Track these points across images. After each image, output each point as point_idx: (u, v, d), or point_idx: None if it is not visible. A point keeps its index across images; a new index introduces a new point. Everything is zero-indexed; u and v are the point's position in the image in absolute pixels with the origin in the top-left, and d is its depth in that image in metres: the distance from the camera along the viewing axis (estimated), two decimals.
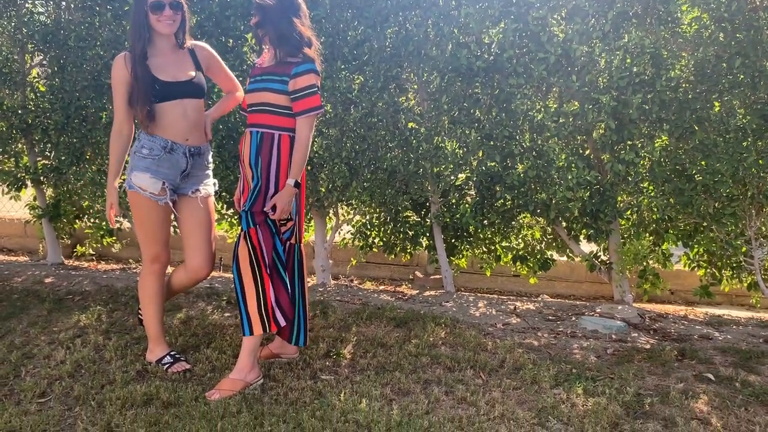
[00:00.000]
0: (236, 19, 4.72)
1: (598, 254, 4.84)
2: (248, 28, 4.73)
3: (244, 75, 4.70)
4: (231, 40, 4.79)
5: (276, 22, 2.84)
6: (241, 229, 2.90)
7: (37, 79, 5.29)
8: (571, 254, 4.88)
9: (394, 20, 4.59)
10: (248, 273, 2.83)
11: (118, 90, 2.92)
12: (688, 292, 5.32)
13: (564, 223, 4.75)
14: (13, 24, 5.06)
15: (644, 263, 4.64)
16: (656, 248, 4.68)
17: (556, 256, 4.98)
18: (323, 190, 4.93)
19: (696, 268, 4.76)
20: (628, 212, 4.63)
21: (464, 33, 4.55)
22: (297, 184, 2.87)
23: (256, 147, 2.90)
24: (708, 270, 4.71)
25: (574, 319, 4.17)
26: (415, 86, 4.83)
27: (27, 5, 5.12)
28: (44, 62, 5.21)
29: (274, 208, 2.84)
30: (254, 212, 2.88)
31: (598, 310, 4.37)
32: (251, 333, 2.84)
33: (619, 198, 4.59)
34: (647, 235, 4.66)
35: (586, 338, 3.76)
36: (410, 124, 4.76)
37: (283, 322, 2.87)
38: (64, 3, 5.07)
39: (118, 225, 5.47)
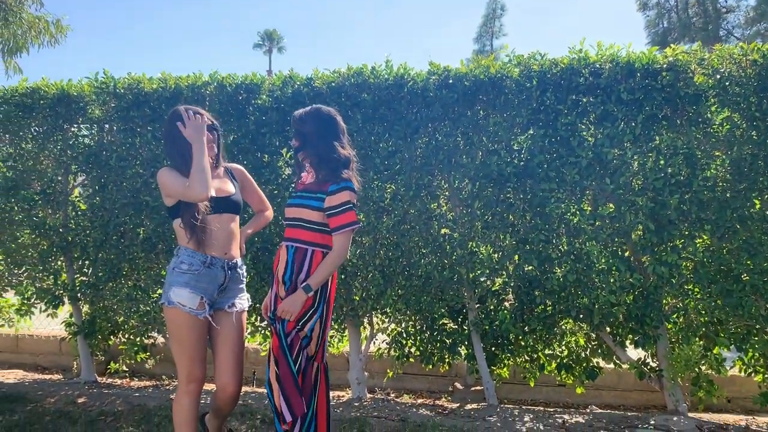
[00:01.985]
0: (271, 136, 4.87)
1: (647, 361, 4.60)
2: (283, 143, 4.87)
3: (280, 188, 4.80)
4: (266, 156, 4.92)
5: (316, 146, 2.89)
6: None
7: (78, 198, 5.46)
8: (618, 361, 4.65)
9: (424, 131, 4.69)
10: (273, 376, 2.75)
11: (177, 179, 2.91)
12: (746, 399, 4.98)
13: (608, 329, 4.56)
14: (59, 147, 5.30)
15: (696, 369, 4.40)
16: (708, 353, 4.43)
17: (602, 363, 4.74)
18: (357, 298, 4.87)
19: (753, 374, 4.48)
20: (675, 315, 4.45)
21: (493, 141, 4.61)
22: (308, 288, 2.78)
23: (290, 261, 2.88)
24: (766, 375, 4.43)
25: None
26: (447, 193, 4.84)
27: (73, 129, 5.37)
28: (86, 182, 5.40)
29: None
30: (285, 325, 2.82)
31: (653, 422, 4.10)
32: None
33: (665, 301, 4.42)
34: (697, 339, 4.44)
35: None
36: (443, 230, 4.74)
37: (289, 417, 2.71)
38: (107, 126, 5.31)
39: (152, 341, 5.46)
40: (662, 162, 4.25)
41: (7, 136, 5.41)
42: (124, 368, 5.73)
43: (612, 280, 4.28)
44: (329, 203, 2.84)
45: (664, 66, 4.26)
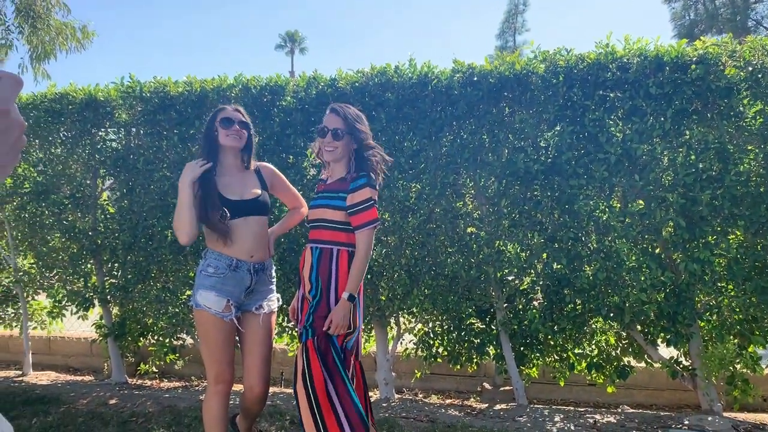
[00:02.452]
0: (296, 137, 4.88)
1: (679, 359, 4.51)
2: (307, 144, 4.86)
3: (305, 189, 4.80)
4: (291, 157, 4.93)
5: (365, 149, 2.92)
6: (301, 342, 2.83)
7: (106, 202, 5.53)
8: (649, 360, 4.57)
9: (449, 130, 4.66)
10: (302, 390, 2.74)
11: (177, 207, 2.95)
12: None
13: (639, 327, 4.48)
14: (87, 151, 5.37)
15: (731, 368, 4.31)
16: (743, 351, 4.34)
17: (633, 362, 4.67)
18: (383, 298, 4.85)
19: None
20: (708, 313, 4.36)
21: (519, 138, 4.56)
22: (352, 298, 2.80)
23: (315, 262, 2.88)
24: None
25: None
26: (473, 191, 4.80)
27: (100, 133, 5.44)
28: (114, 185, 5.46)
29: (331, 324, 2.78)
30: (314, 327, 2.82)
31: (687, 422, 4.02)
32: None
33: (697, 299, 4.34)
34: (731, 337, 4.35)
35: None
36: (469, 229, 4.71)
37: None
38: (134, 129, 5.36)
39: (181, 342, 5.51)
40: (693, 157, 4.17)
41: (37, 141, 5.49)
42: (154, 369, 5.79)
43: (643, 278, 4.21)
44: (351, 201, 2.85)
45: (694, 59, 4.18)
